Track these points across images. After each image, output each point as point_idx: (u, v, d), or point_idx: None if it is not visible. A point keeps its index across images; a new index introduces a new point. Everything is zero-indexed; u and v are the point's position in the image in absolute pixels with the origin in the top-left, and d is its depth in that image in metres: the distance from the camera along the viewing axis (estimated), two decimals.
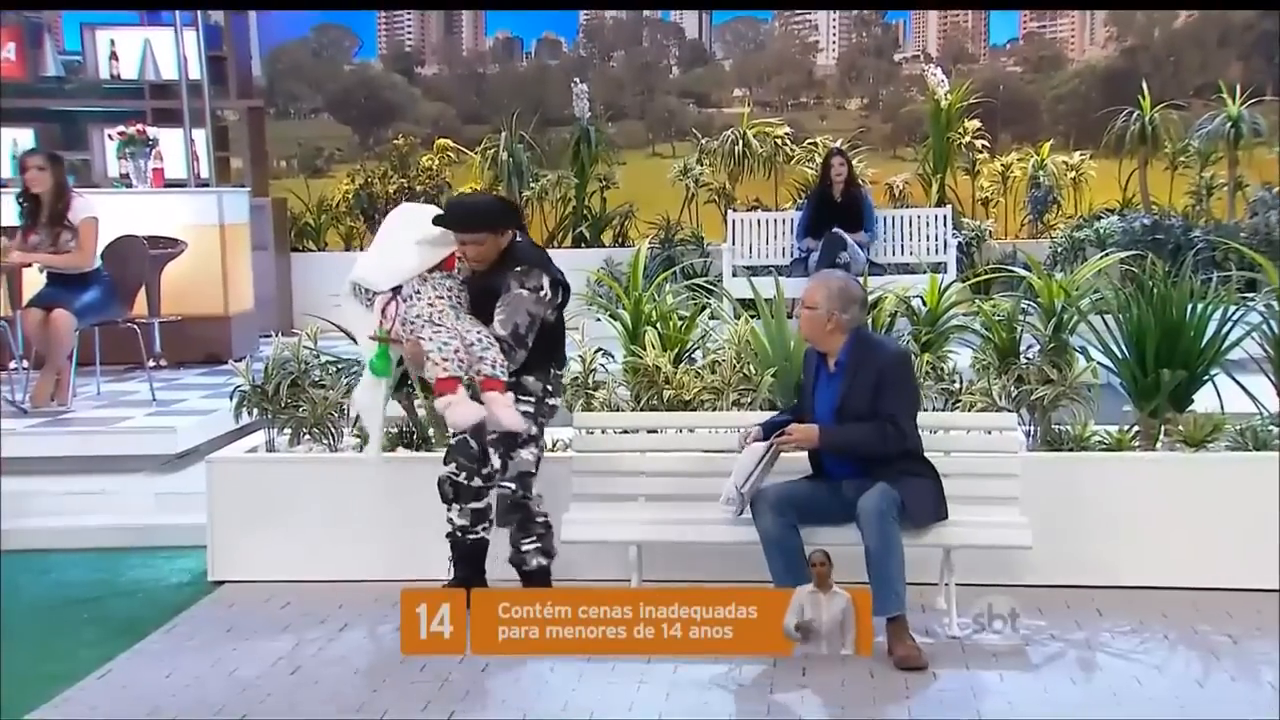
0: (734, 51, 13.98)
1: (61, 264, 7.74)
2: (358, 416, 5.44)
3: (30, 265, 7.88)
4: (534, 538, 4.96)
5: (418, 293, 4.88)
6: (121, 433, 7.24)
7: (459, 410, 4.69)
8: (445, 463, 5.06)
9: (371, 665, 4.79)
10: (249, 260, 10.19)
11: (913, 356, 5.44)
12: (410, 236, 4.94)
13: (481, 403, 4.74)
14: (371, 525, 5.68)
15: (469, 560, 5.14)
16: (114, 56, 10.79)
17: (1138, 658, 4.70)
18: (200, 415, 7.54)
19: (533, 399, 4.97)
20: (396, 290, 4.89)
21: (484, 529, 5.12)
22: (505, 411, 4.72)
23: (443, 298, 4.88)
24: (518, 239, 5.01)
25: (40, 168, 7.75)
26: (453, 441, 5.07)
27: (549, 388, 5.06)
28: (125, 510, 6.59)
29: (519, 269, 4.87)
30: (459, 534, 5.11)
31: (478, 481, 5.01)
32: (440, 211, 5.02)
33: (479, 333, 4.81)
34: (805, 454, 4.99)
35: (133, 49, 10.84)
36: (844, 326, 4.85)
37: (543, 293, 4.88)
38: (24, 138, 10.63)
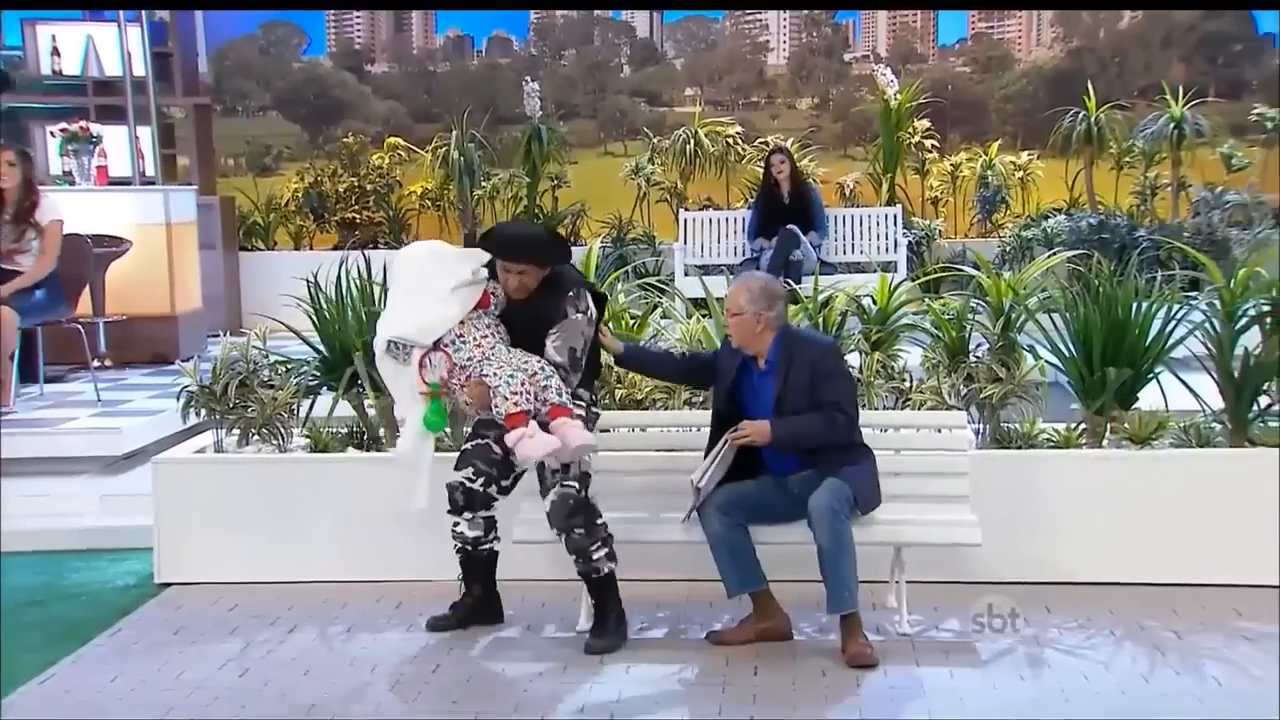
0: (685, 51, 14.00)
1: (31, 278, 7.57)
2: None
3: None
4: (599, 542, 4.79)
5: (460, 336, 4.79)
6: (66, 433, 7.14)
7: (533, 444, 4.61)
8: (457, 468, 4.89)
9: (321, 666, 4.74)
10: (196, 259, 10.08)
11: (841, 345, 5.50)
12: (443, 284, 4.79)
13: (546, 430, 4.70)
14: (321, 526, 5.63)
15: (483, 575, 5.04)
16: (55, 52, 10.62)
17: (1085, 653, 4.75)
18: (147, 416, 7.44)
19: (583, 406, 4.90)
20: (436, 342, 4.79)
21: (495, 539, 5.00)
22: (578, 434, 4.68)
23: (488, 336, 4.80)
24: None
25: (10, 164, 7.59)
26: (469, 446, 4.92)
27: (594, 396, 5.03)
28: (69, 512, 6.49)
29: (570, 294, 4.82)
30: (471, 547, 4.96)
31: (493, 489, 4.89)
32: (440, 245, 4.98)
33: (538, 362, 4.75)
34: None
35: (75, 45, 10.66)
36: (772, 325, 4.86)
37: (590, 313, 4.87)
38: None
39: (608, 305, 6.15)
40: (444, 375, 4.76)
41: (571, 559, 4.84)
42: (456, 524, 4.94)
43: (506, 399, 4.65)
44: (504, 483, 4.91)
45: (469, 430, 5.08)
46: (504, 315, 4.90)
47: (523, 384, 4.68)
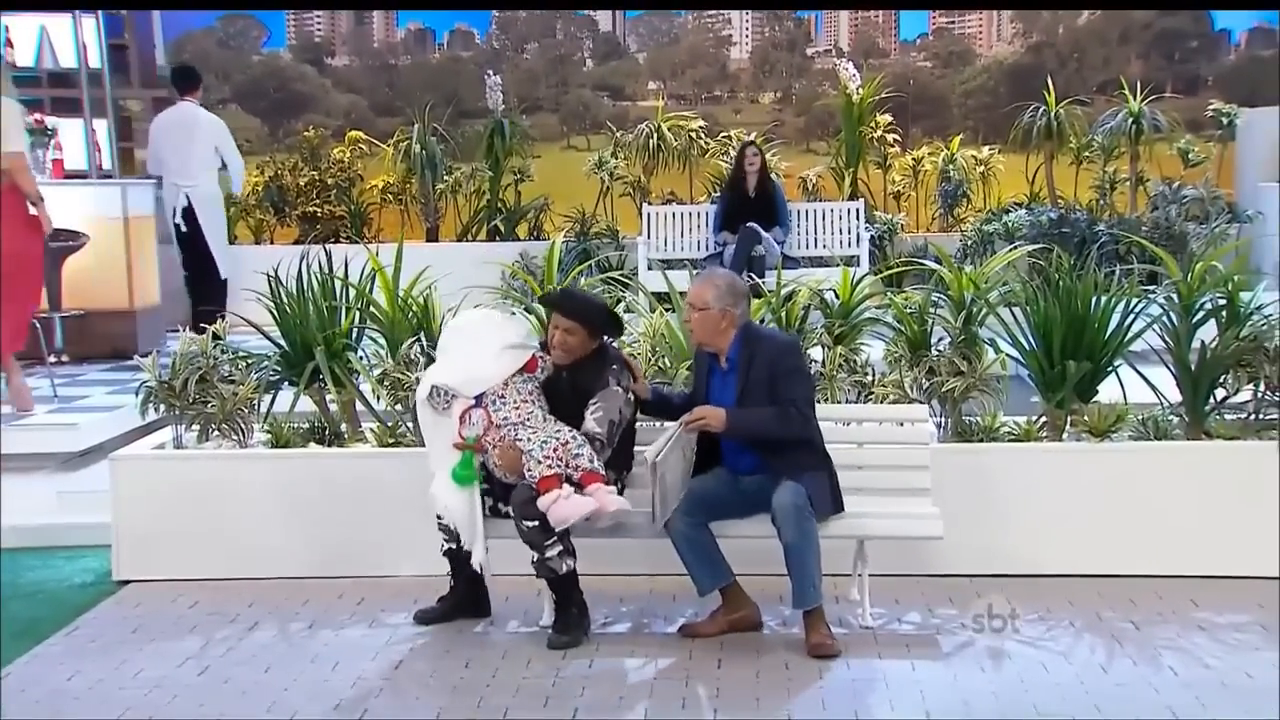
0: (648, 45, 13.99)
1: None
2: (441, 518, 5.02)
3: None
4: (555, 538, 4.77)
5: (502, 397, 4.85)
6: (21, 429, 7.06)
7: (568, 505, 4.63)
8: None
9: (282, 664, 4.71)
10: (155, 253, 9.98)
11: (801, 343, 5.50)
12: (493, 341, 4.91)
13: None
14: (282, 522, 5.59)
15: (469, 570, 5.00)
16: (8, 43, 10.48)
17: (1045, 644, 4.79)
18: (104, 411, 7.37)
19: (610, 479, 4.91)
20: (479, 398, 4.83)
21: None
22: (610, 499, 4.72)
23: (527, 401, 4.86)
24: (603, 342, 5.04)
25: None
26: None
27: (620, 484, 5.01)
28: (25, 510, 6.40)
29: (614, 367, 4.91)
30: (456, 545, 4.95)
31: (489, 499, 4.89)
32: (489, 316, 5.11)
33: (570, 432, 4.80)
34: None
35: (28, 36, 10.53)
36: (735, 322, 4.87)
37: (630, 394, 4.93)
38: None
39: None
40: (481, 432, 4.78)
41: (531, 561, 4.81)
42: (441, 518, 4.92)
43: (540, 463, 4.69)
44: (502, 506, 4.90)
45: None
46: (547, 387, 4.97)
47: (554, 450, 4.72)
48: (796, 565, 4.69)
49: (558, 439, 4.76)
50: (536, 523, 4.73)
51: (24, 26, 10.53)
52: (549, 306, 5.01)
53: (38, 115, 9.54)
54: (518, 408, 4.84)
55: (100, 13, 10.13)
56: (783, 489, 4.73)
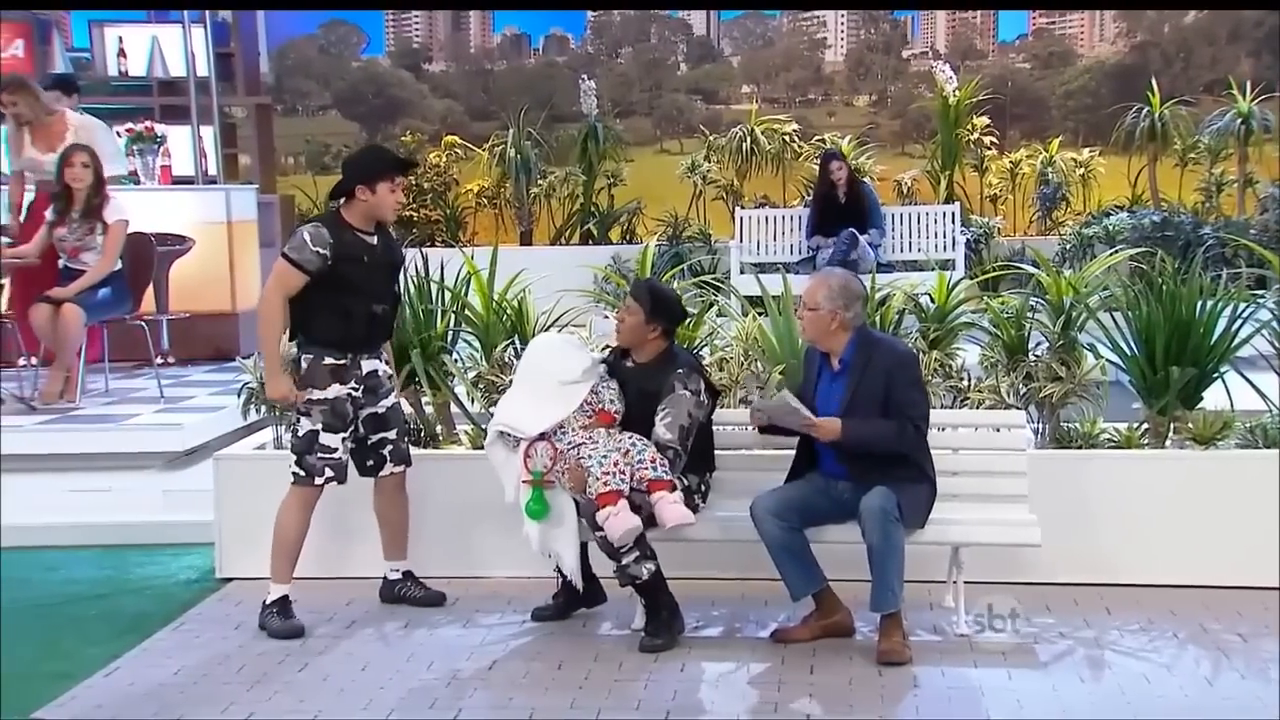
0: (742, 48, 13.97)
1: (92, 277, 7.70)
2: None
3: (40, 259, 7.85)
4: (630, 545, 4.77)
5: (562, 425, 4.90)
6: (130, 429, 7.24)
7: (617, 521, 4.67)
8: None
9: (379, 662, 4.79)
10: (257, 257, 10.19)
11: (919, 355, 5.42)
12: (554, 378, 4.96)
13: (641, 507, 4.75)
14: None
15: (582, 570, 5.06)
16: (122, 54, 10.82)
17: (1147, 656, 4.68)
18: (208, 412, 7.54)
19: (688, 490, 4.94)
20: (541, 435, 4.89)
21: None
22: (671, 509, 4.72)
23: (586, 427, 4.89)
24: (674, 345, 5.08)
25: (85, 164, 7.73)
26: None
27: (702, 487, 5.03)
28: (133, 507, 6.58)
29: (680, 371, 4.91)
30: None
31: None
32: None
33: (632, 439, 4.84)
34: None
35: (140, 46, 10.86)
36: (848, 325, 4.81)
37: (701, 396, 4.93)
38: None
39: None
40: (547, 464, 4.84)
41: (612, 571, 4.85)
42: None
43: (597, 479, 4.72)
44: None
45: None
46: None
47: (615, 464, 4.74)
48: (877, 568, 4.64)
49: (619, 450, 4.78)
50: (606, 534, 4.76)
51: (138, 38, 10.86)
52: (632, 292, 5.06)
53: (148, 123, 9.81)
54: (580, 430, 4.86)
55: (208, 22, 10.39)
56: (873, 493, 4.67)
